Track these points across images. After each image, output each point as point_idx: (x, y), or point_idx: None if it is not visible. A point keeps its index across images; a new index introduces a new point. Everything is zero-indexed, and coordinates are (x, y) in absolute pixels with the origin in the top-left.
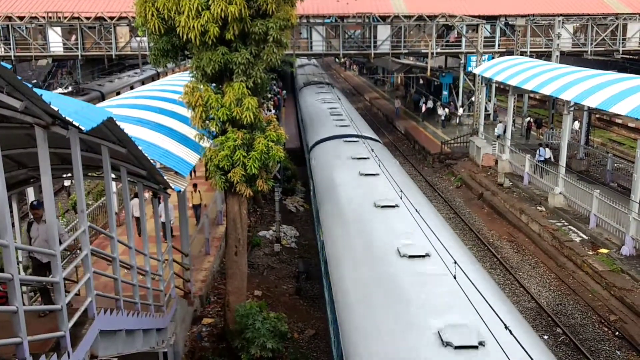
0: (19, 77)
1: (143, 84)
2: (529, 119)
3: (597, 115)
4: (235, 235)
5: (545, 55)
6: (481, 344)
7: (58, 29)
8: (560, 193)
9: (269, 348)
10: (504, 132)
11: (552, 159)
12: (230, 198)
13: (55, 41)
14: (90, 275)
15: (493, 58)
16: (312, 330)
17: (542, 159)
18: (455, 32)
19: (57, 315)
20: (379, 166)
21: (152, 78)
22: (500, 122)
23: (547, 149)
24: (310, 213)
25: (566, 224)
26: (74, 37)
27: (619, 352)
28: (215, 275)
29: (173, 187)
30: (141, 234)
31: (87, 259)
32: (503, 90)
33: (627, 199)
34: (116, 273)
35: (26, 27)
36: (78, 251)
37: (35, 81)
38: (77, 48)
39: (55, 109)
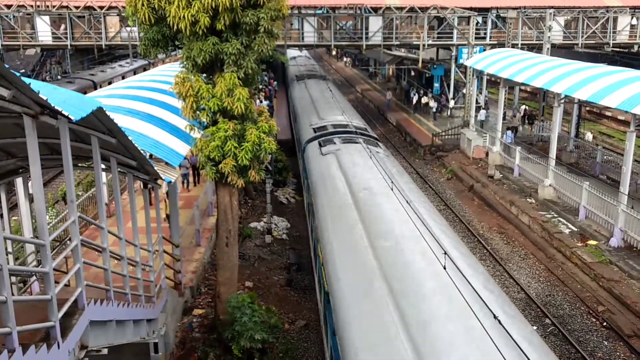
0: (7, 66)
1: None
2: (524, 106)
3: (587, 108)
4: (226, 227)
5: (537, 48)
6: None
7: (46, 18)
8: (550, 185)
9: (258, 339)
10: (486, 117)
11: (513, 141)
12: (221, 189)
13: (44, 30)
14: (80, 266)
15: (484, 50)
16: (303, 321)
17: (509, 140)
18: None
19: (47, 306)
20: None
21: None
22: (483, 108)
23: (511, 132)
24: (302, 204)
25: (556, 215)
26: (62, 27)
27: (606, 343)
28: (206, 266)
29: (163, 177)
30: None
31: (77, 249)
32: (494, 82)
33: (616, 191)
34: (106, 264)
35: (14, 16)
36: (68, 241)
37: (23, 70)
38: (66, 38)
39: (44, 98)
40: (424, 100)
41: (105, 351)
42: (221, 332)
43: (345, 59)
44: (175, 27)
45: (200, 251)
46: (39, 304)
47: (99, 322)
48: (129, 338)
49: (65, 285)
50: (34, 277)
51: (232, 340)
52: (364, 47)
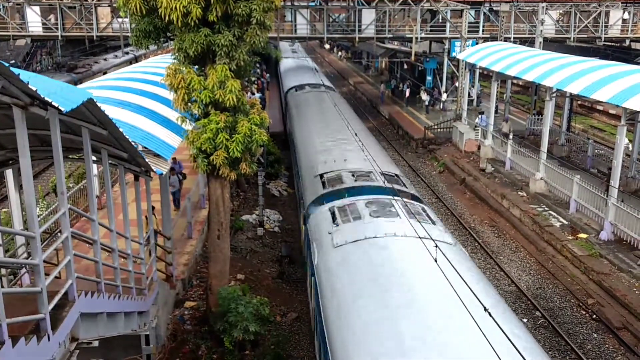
0: None
1: None
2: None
3: (578, 102)
4: (218, 219)
5: (529, 42)
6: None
7: (37, 8)
8: (541, 178)
9: (251, 331)
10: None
11: (487, 125)
12: (213, 181)
13: (34, 21)
14: (71, 258)
15: (477, 44)
16: (295, 313)
17: (484, 124)
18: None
19: (37, 298)
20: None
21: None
22: (480, 112)
23: (485, 117)
24: (293, 197)
25: (547, 209)
26: (53, 17)
27: (595, 335)
28: (198, 258)
29: (155, 169)
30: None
31: (68, 241)
32: (487, 76)
33: (607, 184)
34: (97, 256)
35: (3, 6)
36: (58, 234)
37: (13, 61)
38: (56, 28)
39: (34, 88)
40: (424, 97)
41: (96, 343)
42: (213, 324)
43: (340, 53)
44: (166, 18)
45: (192, 244)
46: (29, 296)
47: (90, 314)
48: (120, 330)
49: (56, 277)
50: (24, 270)
51: (224, 332)
52: (357, 39)
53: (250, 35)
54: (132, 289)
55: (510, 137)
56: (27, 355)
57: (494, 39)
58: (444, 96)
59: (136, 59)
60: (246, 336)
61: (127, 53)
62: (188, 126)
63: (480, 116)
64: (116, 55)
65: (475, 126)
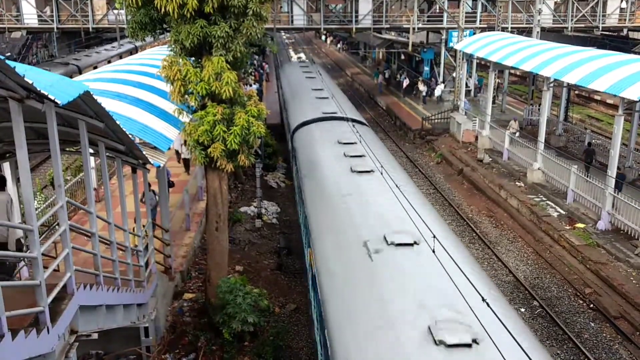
0: None
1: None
2: (498, 81)
3: (576, 92)
4: (216, 211)
5: (526, 31)
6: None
7: (32, 0)
8: (538, 169)
9: (250, 322)
10: (442, 92)
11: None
12: (211, 173)
13: (29, 13)
14: (69, 251)
15: (474, 34)
16: (293, 304)
17: (466, 107)
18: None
19: (36, 291)
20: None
21: None
22: (441, 82)
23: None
24: (292, 189)
25: (544, 199)
26: (49, 9)
27: (593, 324)
28: (196, 250)
29: (152, 162)
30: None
31: (66, 234)
32: (484, 66)
33: (604, 174)
34: (95, 248)
35: None
36: (56, 227)
37: (9, 54)
38: (52, 20)
39: (30, 81)
40: (421, 87)
41: (95, 336)
42: (212, 316)
43: (339, 45)
44: (162, 9)
45: (190, 235)
46: (28, 289)
47: (89, 306)
48: (119, 323)
49: (55, 270)
50: (23, 263)
51: (223, 324)
52: (354, 30)
53: (246, 27)
54: (131, 281)
55: (517, 134)
56: (27, 348)
57: (491, 29)
58: (442, 86)
59: (80, 71)
60: (245, 327)
61: (66, 64)
62: (185, 118)
63: (464, 100)
64: (48, 69)
65: (466, 112)
